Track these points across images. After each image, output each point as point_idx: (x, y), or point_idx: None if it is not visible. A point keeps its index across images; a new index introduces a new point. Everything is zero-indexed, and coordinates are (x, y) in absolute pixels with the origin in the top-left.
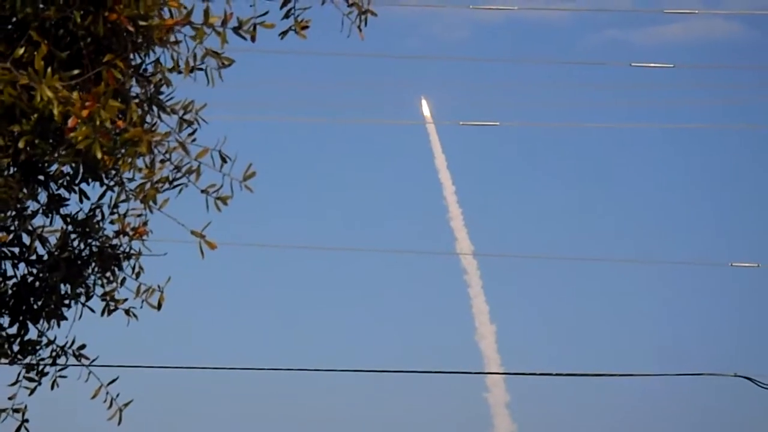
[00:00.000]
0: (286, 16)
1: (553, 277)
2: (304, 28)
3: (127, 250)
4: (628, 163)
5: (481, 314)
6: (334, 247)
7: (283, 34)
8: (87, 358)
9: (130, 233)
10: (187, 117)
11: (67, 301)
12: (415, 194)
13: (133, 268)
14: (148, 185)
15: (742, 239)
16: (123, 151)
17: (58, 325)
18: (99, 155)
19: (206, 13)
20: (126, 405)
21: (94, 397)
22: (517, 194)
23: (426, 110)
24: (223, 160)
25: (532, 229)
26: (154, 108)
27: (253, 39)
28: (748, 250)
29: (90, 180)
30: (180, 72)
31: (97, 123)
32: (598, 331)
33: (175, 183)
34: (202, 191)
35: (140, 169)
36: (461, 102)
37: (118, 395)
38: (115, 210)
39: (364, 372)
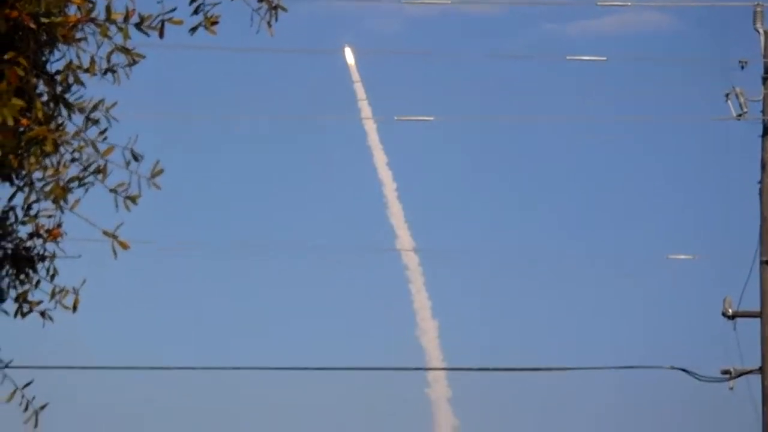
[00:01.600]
0: (196, 11)
1: (493, 272)
2: (214, 23)
3: (42, 252)
4: (563, 156)
5: (423, 310)
6: (267, 245)
7: (193, 30)
8: (1, 361)
9: (44, 235)
10: (94, 115)
11: None
12: (353, 191)
13: (48, 270)
14: (57, 184)
15: (677, 231)
16: (29, 150)
17: None
18: None
19: (108, 9)
20: (42, 408)
21: (9, 400)
22: (456, 189)
23: (350, 59)
24: (135, 158)
25: (472, 224)
26: (61, 107)
27: (161, 35)
28: (684, 242)
29: None
30: (93, 73)
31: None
32: (538, 324)
33: (84, 182)
34: (111, 190)
35: (46, 169)
36: (396, 98)
37: (33, 398)
38: (28, 212)
39: (306, 370)
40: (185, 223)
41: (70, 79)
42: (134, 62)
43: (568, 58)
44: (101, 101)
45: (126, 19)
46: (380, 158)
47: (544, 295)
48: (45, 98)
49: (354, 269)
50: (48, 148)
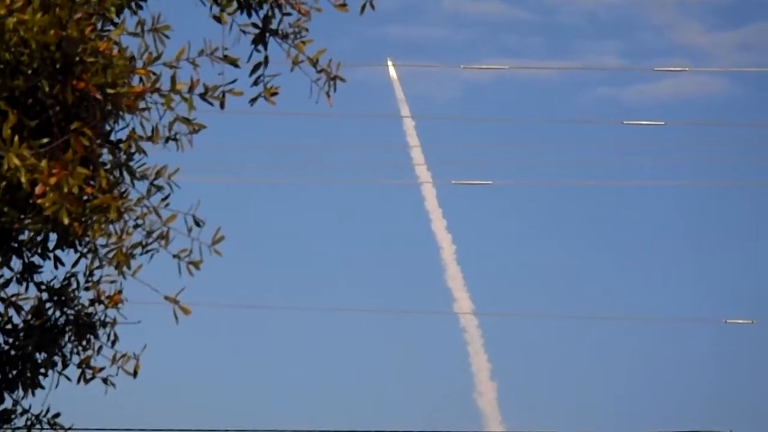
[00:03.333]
0: (255, 83)
1: (552, 335)
2: (274, 94)
3: (103, 318)
4: (624, 221)
5: (482, 372)
6: (331, 308)
7: (253, 100)
8: (62, 427)
9: (105, 301)
10: (158, 182)
11: (42, 370)
12: (411, 254)
13: (109, 336)
14: (120, 251)
15: (736, 296)
16: (93, 217)
17: (33, 394)
18: (66, 221)
19: (173, 80)
20: None
21: None
22: (513, 253)
23: (392, 72)
24: (197, 224)
25: (531, 287)
26: (125, 174)
27: (222, 106)
28: (743, 307)
29: (64, 247)
30: (156, 141)
31: (65, 190)
32: (596, 390)
33: (147, 248)
34: (174, 256)
35: (110, 236)
36: (454, 161)
37: None
38: (90, 278)
39: None
40: (247, 284)
41: (132, 148)
42: (195, 131)
43: (625, 122)
44: (164, 168)
45: (191, 89)
46: (439, 222)
47: (601, 361)
48: (108, 166)
49: (412, 332)
50: (112, 215)
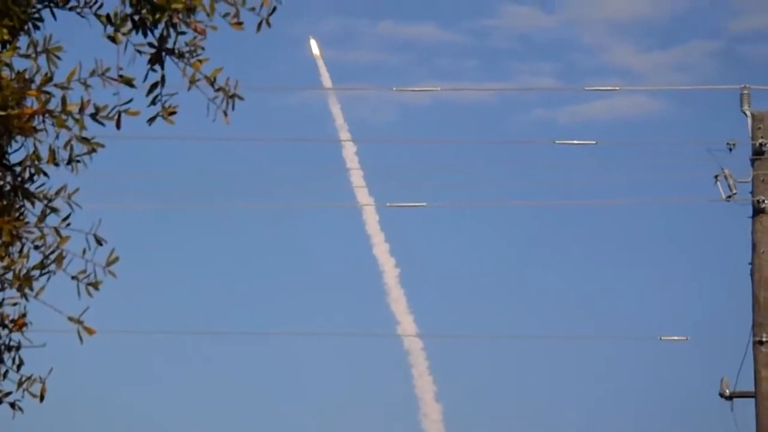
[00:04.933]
0: (153, 102)
1: (496, 356)
2: (172, 113)
3: (7, 342)
4: (555, 239)
5: (426, 394)
6: (273, 332)
7: (152, 120)
8: None
9: (9, 325)
10: (56, 204)
11: None
12: (351, 277)
13: (14, 360)
14: (19, 274)
15: (670, 312)
16: None
17: None
18: None
19: (63, 100)
20: None
21: None
22: (455, 274)
23: (315, 49)
24: (98, 243)
25: (474, 309)
26: (20, 197)
27: (117, 126)
28: (677, 323)
29: None
30: (57, 164)
31: None
32: (536, 408)
33: (45, 270)
34: (73, 277)
35: (9, 258)
36: (387, 184)
37: None
38: None
39: None
40: (178, 309)
41: (31, 170)
42: (94, 151)
43: (557, 142)
44: (62, 188)
45: (81, 110)
46: (381, 246)
47: (541, 376)
48: (6, 189)
49: (353, 355)
50: (5, 237)
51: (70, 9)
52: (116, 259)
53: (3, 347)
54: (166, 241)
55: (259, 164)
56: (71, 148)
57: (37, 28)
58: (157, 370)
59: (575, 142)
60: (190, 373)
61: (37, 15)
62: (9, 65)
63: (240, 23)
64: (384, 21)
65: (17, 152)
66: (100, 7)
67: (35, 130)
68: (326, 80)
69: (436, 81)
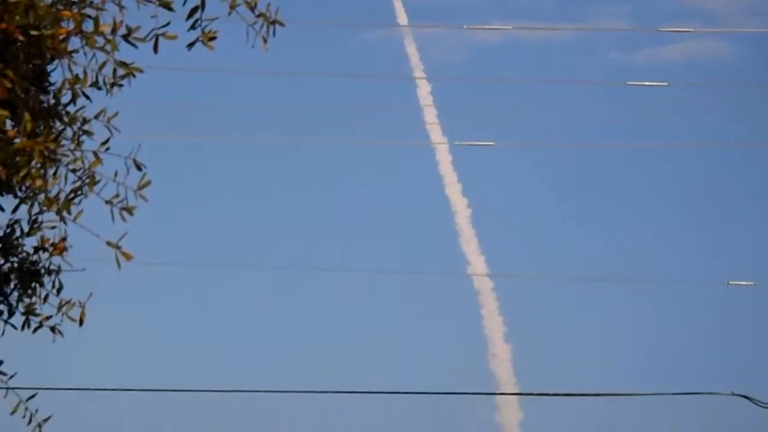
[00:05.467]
0: (193, 27)
1: (566, 297)
2: (212, 39)
3: (47, 265)
4: (623, 181)
5: (495, 334)
6: (342, 269)
7: (191, 45)
8: (4, 374)
9: (50, 249)
10: (90, 127)
11: None
12: (424, 216)
13: (53, 284)
14: (47, 196)
15: (738, 258)
16: (17, 160)
17: None
18: None
19: (96, 21)
20: (45, 420)
21: (13, 413)
22: (527, 215)
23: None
24: (138, 168)
25: (544, 250)
26: (54, 119)
27: (155, 50)
28: (745, 269)
29: (3, 192)
30: (99, 87)
31: None
32: (600, 350)
33: (78, 193)
34: (107, 202)
35: (46, 181)
36: (457, 123)
37: (37, 410)
38: (34, 225)
39: (372, 393)
40: (242, 240)
41: (69, 93)
42: (132, 75)
43: (628, 83)
44: (102, 111)
45: (114, 30)
46: (453, 186)
47: (610, 319)
48: (39, 110)
49: (423, 295)
50: (37, 158)
51: None
52: (148, 182)
53: (43, 271)
54: (228, 174)
55: (333, 100)
56: (114, 72)
57: None
58: (212, 305)
59: (647, 83)
60: (242, 308)
61: None
62: None
63: None
64: None
65: (53, 72)
66: None
67: (69, 51)
68: (402, 18)
69: (511, 21)
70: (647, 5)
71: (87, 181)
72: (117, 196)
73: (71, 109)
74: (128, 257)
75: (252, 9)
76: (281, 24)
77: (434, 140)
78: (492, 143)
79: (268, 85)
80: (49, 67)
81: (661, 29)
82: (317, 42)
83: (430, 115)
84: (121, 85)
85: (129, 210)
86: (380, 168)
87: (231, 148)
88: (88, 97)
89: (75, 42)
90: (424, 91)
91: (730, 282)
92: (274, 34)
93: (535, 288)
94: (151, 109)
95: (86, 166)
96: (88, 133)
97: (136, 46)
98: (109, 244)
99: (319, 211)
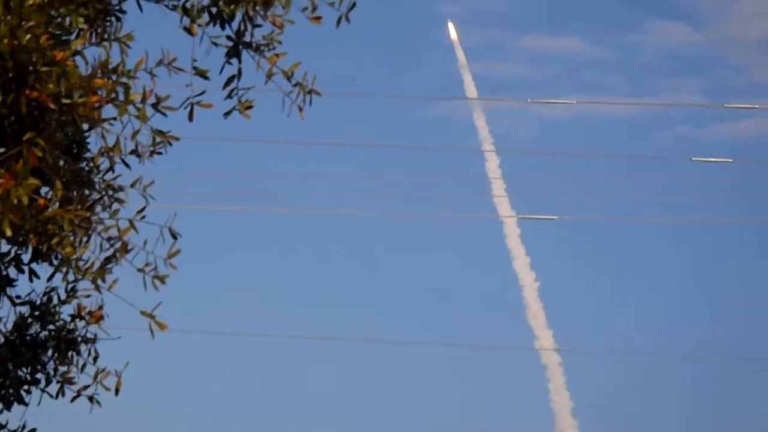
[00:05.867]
0: (230, 96)
1: (634, 373)
2: (248, 108)
3: (84, 333)
4: (690, 255)
5: (563, 409)
6: (411, 342)
7: (227, 114)
8: None
9: (87, 317)
10: (120, 195)
11: (26, 387)
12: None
13: (89, 352)
14: (94, 265)
15: None
16: (47, 229)
17: (9, 410)
18: (8, 232)
19: (126, 89)
20: None
21: None
22: (595, 289)
23: (453, 33)
24: (174, 237)
25: (613, 324)
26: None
27: (190, 118)
28: None
29: (39, 260)
30: (139, 155)
31: (13, 200)
32: (667, 423)
33: (110, 261)
34: (139, 270)
35: (64, 247)
36: (525, 196)
37: None
38: (71, 293)
39: None
40: (301, 311)
41: (103, 161)
42: (169, 144)
43: (693, 159)
44: (138, 179)
45: (143, 99)
46: (521, 259)
47: (677, 393)
48: (66, 178)
49: (491, 368)
50: (67, 227)
51: (155, 0)
52: (177, 251)
53: (80, 339)
54: (291, 244)
55: (402, 176)
56: (153, 140)
57: (118, 19)
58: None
59: (711, 159)
60: (283, 380)
61: (118, 6)
62: (80, 53)
63: (318, 18)
64: (529, 34)
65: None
66: None
67: (103, 120)
68: (471, 91)
69: (580, 95)
70: (718, 81)
71: (119, 248)
72: (148, 264)
73: (109, 176)
74: (162, 327)
75: (288, 78)
76: (317, 93)
77: (502, 213)
78: (555, 217)
79: (334, 155)
80: (87, 135)
81: (727, 105)
82: (388, 114)
83: (498, 188)
84: (160, 153)
85: (161, 278)
86: (449, 241)
87: (306, 217)
88: (127, 165)
89: (111, 110)
90: (492, 164)
91: None
92: (310, 103)
93: (602, 362)
94: (190, 177)
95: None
96: (119, 201)
97: (165, 115)
98: (143, 313)
99: (386, 284)
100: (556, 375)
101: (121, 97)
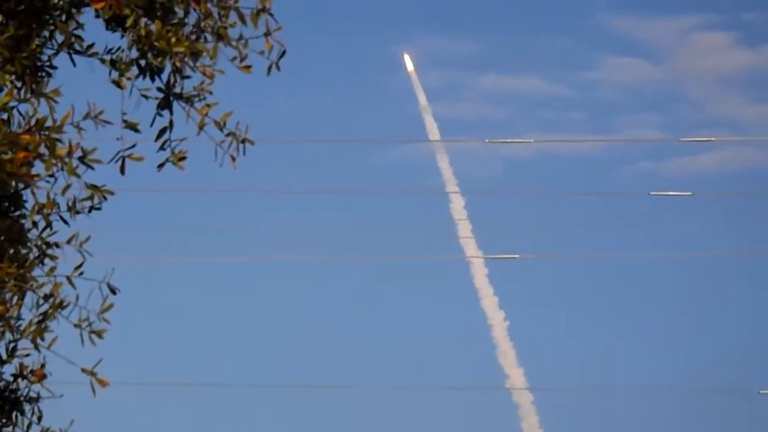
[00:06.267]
0: (162, 147)
1: (607, 408)
2: (182, 159)
3: (27, 393)
4: (657, 291)
5: None
6: (380, 385)
7: (161, 166)
8: None
9: (29, 377)
10: (51, 251)
11: None
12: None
13: (33, 412)
14: (32, 324)
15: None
16: None
17: None
18: None
19: (52, 144)
20: None
21: None
22: (565, 326)
23: (409, 65)
24: (112, 292)
25: (584, 361)
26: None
27: (122, 171)
28: None
29: None
30: (77, 212)
31: None
32: None
33: (44, 318)
34: (75, 325)
35: (9, 308)
36: (485, 236)
37: None
38: (12, 353)
39: None
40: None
41: (46, 219)
42: (104, 198)
43: (651, 193)
44: (74, 236)
45: (69, 153)
46: (488, 296)
47: (654, 429)
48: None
49: (462, 409)
50: (9, 287)
51: (84, 54)
52: (111, 306)
53: (23, 399)
54: (248, 293)
55: (366, 217)
56: (91, 196)
57: (49, 75)
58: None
59: (671, 193)
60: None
61: (48, 62)
62: (7, 109)
63: (248, 67)
64: (488, 74)
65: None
66: (109, 52)
67: (31, 176)
68: (434, 133)
69: (541, 133)
70: (676, 114)
71: (52, 305)
72: (86, 319)
73: (46, 233)
74: (103, 384)
75: (221, 128)
76: (251, 143)
77: (469, 254)
78: (517, 256)
79: (299, 203)
80: (21, 193)
81: (683, 139)
82: (350, 160)
83: (465, 228)
84: (99, 208)
85: (98, 333)
86: (416, 283)
87: (277, 265)
88: (66, 221)
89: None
90: (457, 205)
91: (761, 391)
92: (244, 152)
93: (575, 399)
94: (127, 231)
95: (47, 291)
96: (51, 257)
97: (93, 168)
98: (84, 371)
99: (353, 329)
100: (528, 414)
101: (47, 153)
